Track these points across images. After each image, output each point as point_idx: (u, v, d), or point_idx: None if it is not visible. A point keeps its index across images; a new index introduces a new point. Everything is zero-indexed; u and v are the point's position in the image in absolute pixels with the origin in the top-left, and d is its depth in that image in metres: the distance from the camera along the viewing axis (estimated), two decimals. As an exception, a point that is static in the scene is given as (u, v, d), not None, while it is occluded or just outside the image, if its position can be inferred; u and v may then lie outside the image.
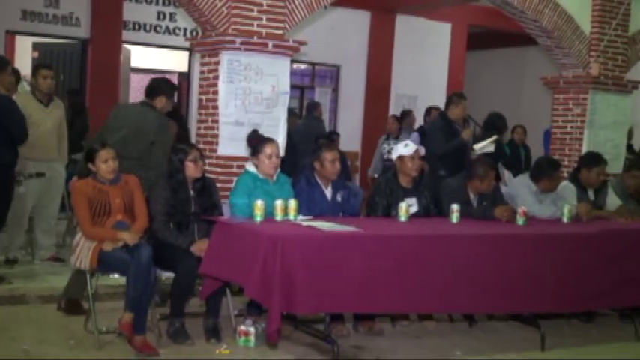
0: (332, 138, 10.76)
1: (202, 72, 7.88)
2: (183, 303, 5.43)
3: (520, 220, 6.04)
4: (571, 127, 10.03)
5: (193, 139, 7.35)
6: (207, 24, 7.62)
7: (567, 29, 9.67)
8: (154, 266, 5.12)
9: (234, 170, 7.18)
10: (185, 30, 12.62)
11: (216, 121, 7.41)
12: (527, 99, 16.33)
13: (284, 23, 7.69)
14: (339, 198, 6.04)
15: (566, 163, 9.76)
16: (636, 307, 6.50)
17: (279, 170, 5.86)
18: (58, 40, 11.93)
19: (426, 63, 14.82)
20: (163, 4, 12.57)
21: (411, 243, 5.31)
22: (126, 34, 12.20)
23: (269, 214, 5.33)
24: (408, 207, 5.82)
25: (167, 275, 5.42)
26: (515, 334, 6.16)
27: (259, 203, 5.27)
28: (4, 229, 7.03)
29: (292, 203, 5.44)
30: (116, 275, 5.42)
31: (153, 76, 14.36)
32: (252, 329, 5.37)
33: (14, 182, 6.62)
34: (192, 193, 5.59)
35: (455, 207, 5.94)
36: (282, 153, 6.50)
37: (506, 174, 9.64)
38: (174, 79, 14.28)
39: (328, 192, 6.01)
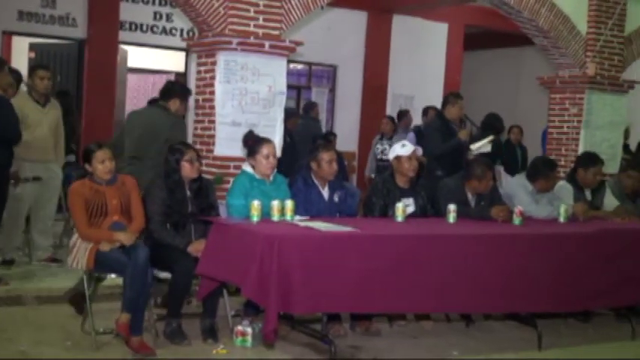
0: (329, 138, 10.78)
1: (199, 72, 7.88)
2: (180, 303, 5.43)
3: (517, 220, 6.05)
4: (567, 127, 10.04)
5: (190, 140, 7.34)
6: (203, 24, 7.62)
7: (564, 29, 9.68)
8: (150, 267, 5.12)
9: (231, 170, 7.19)
10: (182, 30, 12.61)
11: (213, 122, 7.41)
12: (524, 99, 16.34)
13: (280, 23, 7.69)
14: (336, 198, 6.04)
15: (562, 162, 9.77)
16: (633, 307, 6.52)
17: (275, 170, 5.86)
18: (55, 40, 11.91)
19: (422, 63, 14.82)
20: (160, 4, 12.57)
21: (408, 243, 5.32)
22: (122, 35, 12.19)
23: (266, 214, 5.33)
24: (404, 207, 5.82)
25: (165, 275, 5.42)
26: (513, 333, 6.17)
27: (256, 203, 5.27)
28: (1, 230, 7.02)
29: (289, 203, 5.44)
30: (113, 276, 5.41)
31: (150, 76, 14.47)
32: (249, 329, 5.37)
33: (9, 183, 6.60)
34: (188, 193, 5.58)
35: (452, 207, 5.94)
36: (278, 153, 6.50)
37: (502, 174, 9.66)
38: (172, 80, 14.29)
39: (325, 192, 6.01)
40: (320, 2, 8.02)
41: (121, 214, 5.32)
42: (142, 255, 5.05)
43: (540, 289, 5.74)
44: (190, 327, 5.45)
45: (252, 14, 7.52)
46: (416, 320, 6.22)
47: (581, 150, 9.57)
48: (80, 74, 11.93)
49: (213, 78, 7.50)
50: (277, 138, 7.56)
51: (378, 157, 11.01)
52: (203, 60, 7.79)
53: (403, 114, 12.04)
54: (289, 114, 10.75)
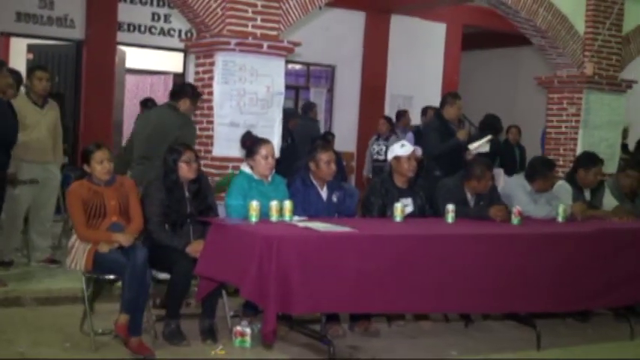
0: (327, 138, 10.78)
1: (197, 73, 7.88)
2: (179, 304, 5.43)
3: (515, 220, 6.05)
4: (566, 127, 10.06)
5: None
6: (201, 25, 7.62)
7: (561, 29, 9.69)
8: (149, 268, 5.12)
9: (230, 171, 7.19)
10: (180, 31, 12.62)
11: (212, 122, 7.42)
12: (522, 99, 16.36)
13: (279, 24, 7.69)
14: (334, 198, 6.04)
15: (561, 162, 9.79)
16: (631, 307, 6.52)
17: (274, 171, 5.86)
18: (53, 41, 11.91)
19: (421, 63, 14.84)
20: (158, 5, 12.57)
21: (407, 243, 5.31)
22: (120, 36, 12.19)
23: (264, 214, 5.33)
24: (403, 207, 5.82)
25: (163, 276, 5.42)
26: (511, 333, 6.17)
27: (254, 204, 5.27)
28: (-1, 231, 7.03)
29: (287, 204, 5.44)
30: (111, 276, 5.41)
31: (148, 77, 14.47)
32: (248, 330, 5.37)
33: (7, 184, 6.60)
34: (187, 194, 5.58)
35: (450, 207, 5.94)
36: (277, 154, 6.51)
37: (502, 176, 9.65)
38: (169, 81, 14.30)
39: (324, 192, 6.01)
40: (318, 3, 8.03)
41: (119, 215, 5.32)
42: (140, 256, 5.05)
43: (539, 288, 5.74)
44: (189, 328, 5.45)
45: (250, 15, 7.53)
46: (415, 320, 6.22)
47: (579, 150, 9.58)
48: (78, 75, 11.93)
49: (211, 79, 7.50)
50: (276, 138, 7.57)
51: (374, 157, 11.01)
52: (201, 61, 7.79)
53: (401, 114, 12.04)
54: (290, 115, 10.78)
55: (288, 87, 9.17)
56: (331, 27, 13.64)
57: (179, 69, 13.54)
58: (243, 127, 7.31)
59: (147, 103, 10.36)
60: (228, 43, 7.42)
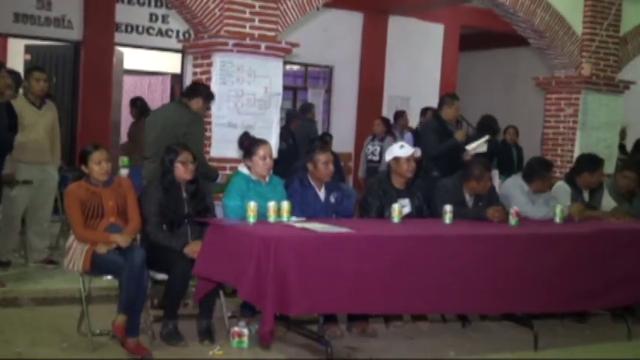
0: (325, 139, 10.78)
1: (195, 74, 7.89)
2: (176, 305, 5.43)
3: (513, 221, 6.05)
4: (563, 128, 10.07)
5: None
6: (199, 26, 7.62)
7: (559, 30, 9.70)
8: (147, 269, 5.12)
9: (228, 172, 7.19)
10: (177, 32, 12.61)
11: (209, 123, 7.42)
12: (520, 99, 16.37)
13: (276, 25, 7.70)
14: (332, 199, 6.04)
15: (558, 163, 9.80)
16: (629, 307, 6.53)
17: (271, 171, 5.86)
18: (51, 42, 11.90)
19: (418, 64, 14.84)
20: (155, 5, 12.56)
21: (404, 244, 5.32)
22: (118, 36, 12.18)
23: (262, 215, 5.33)
24: (400, 208, 5.82)
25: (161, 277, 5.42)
26: (509, 334, 6.17)
27: (252, 205, 5.27)
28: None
29: (285, 204, 5.44)
30: (109, 277, 5.41)
31: (146, 77, 14.47)
32: (245, 330, 5.37)
33: (3, 185, 6.59)
34: (185, 195, 5.58)
35: (448, 207, 5.94)
36: (274, 154, 6.51)
37: (496, 176, 9.66)
38: (167, 81, 14.30)
39: (321, 193, 6.01)
40: (316, 3, 8.04)
41: (117, 216, 5.32)
42: (138, 257, 5.05)
43: (536, 289, 5.74)
44: (187, 328, 5.45)
45: (247, 16, 7.53)
46: (412, 321, 6.22)
47: (577, 150, 9.60)
48: (76, 76, 11.92)
49: (209, 79, 7.50)
50: (273, 139, 7.57)
51: (369, 157, 10.98)
52: (199, 61, 7.79)
53: (399, 115, 12.04)
54: (292, 115, 10.81)
55: (285, 88, 9.16)
56: (329, 28, 13.63)
57: (177, 70, 13.53)
58: (241, 128, 7.30)
59: (136, 102, 10.32)
60: (226, 44, 7.42)
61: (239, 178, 5.72)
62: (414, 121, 12.15)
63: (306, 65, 14.33)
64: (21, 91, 7.22)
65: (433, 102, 10.40)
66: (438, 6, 14.48)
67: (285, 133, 10.10)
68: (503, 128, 10.99)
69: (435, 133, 7.88)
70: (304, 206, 5.82)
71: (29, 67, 8.19)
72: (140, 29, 12.50)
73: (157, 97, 14.61)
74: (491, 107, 12.92)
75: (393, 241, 5.28)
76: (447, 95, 8.34)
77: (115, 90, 12.14)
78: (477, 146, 7.86)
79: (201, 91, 6.86)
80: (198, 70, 7.79)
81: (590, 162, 7.19)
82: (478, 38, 16.24)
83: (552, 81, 10.18)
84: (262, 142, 5.84)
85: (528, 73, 12.41)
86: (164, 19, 12.64)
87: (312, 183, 5.98)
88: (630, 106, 11.09)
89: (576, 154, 9.69)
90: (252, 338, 5.35)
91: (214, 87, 7.40)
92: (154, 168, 6.52)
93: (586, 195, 7.14)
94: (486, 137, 8.15)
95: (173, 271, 5.26)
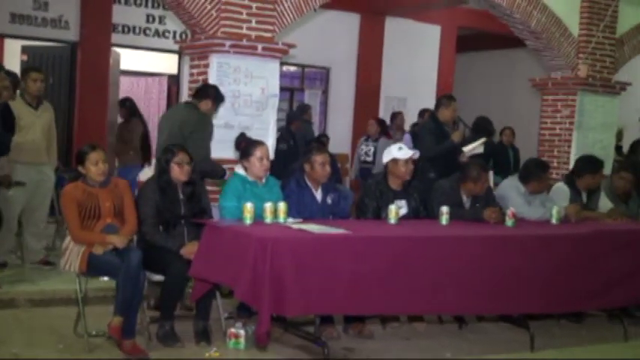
0: (322, 140, 10.78)
1: (192, 75, 7.88)
2: (173, 306, 5.43)
3: (509, 222, 6.06)
4: (560, 129, 10.08)
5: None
6: (196, 27, 7.62)
7: (555, 31, 9.72)
8: (143, 270, 5.12)
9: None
10: (174, 33, 12.60)
11: (207, 124, 7.41)
12: (517, 101, 16.38)
13: (273, 26, 7.70)
14: (329, 200, 6.05)
15: (555, 164, 9.81)
16: (625, 308, 6.54)
17: (268, 172, 5.86)
18: (47, 43, 11.88)
19: (415, 65, 14.83)
20: (153, 6, 12.55)
21: (401, 245, 5.32)
22: (115, 37, 12.16)
23: (259, 216, 5.33)
24: (397, 209, 5.82)
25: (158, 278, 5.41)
26: (505, 335, 6.17)
27: (249, 206, 5.27)
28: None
29: (282, 206, 5.44)
30: (106, 278, 5.41)
31: (143, 78, 14.46)
32: (242, 332, 5.37)
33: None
34: (181, 196, 5.58)
35: (444, 209, 5.95)
36: (271, 155, 6.51)
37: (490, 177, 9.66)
38: (164, 82, 14.29)
39: (318, 194, 6.02)
40: (312, 4, 8.04)
41: (113, 217, 5.31)
42: (134, 258, 5.05)
43: (533, 290, 5.75)
44: (183, 329, 5.45)
45: (244, 17, 7.53)
46: (409, 322, 6.22)
47: (573, 152, 9.61)
48: (73, 77, 11.90)
49: (205, 80, 7.50)
50: (270, 140, 7.57)
51: (362, 158, 10.95)
52: (196, 62, 7.79)
53: (395, 115, 12.05)
54: (292, 117, 10.80)
55: (282, 89, 9.18)
56: (326, 29, 13.63)
57: (174, 71, 13.52)
58: (238, 129, 7.32)
59: (125, 103, 10.28)
60: (223, 45, 7.42)
61: (235, 179, 5.73)
62: (411, 122, 12.15)
63: (303, 66, 14.33)
64: (18, 91, 7.21)
65: (430, 103, 10.41)
66: (434, 7, 14.47)
67: (285, 134, 10.11)
68: (499, 129, 11.00)
69: (432, 134, 7.88)
70: (301, 207, 5.82)
71: (26, 68, 8.18)
72: (137, 30, 12.49)
73: (154, 98, 14.61)
74: (487, 108, 12.92)
75: (390, 243, 5.28)
76: (444, 97, 8.34)
77: (111, 91, 12.12)
78: (474, 148, 7.87)
79: (211, 92, 6.89)
80: (195, 71, 7.78)
81: (591, 164, 7.21)
82: (475, 39, 16.25)
83: (549, 82, 10.19)
84: (259, 143, 5.85)
85: (525, 74, 12.42)
86: (161, 20, 12.63)
87: (309, 184, 5.98)
88: (627, 108, 11.11)
89: (573, 155, 9.71)
90: (249, 339, 5.35)
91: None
92: None
93: (584, 196, 7.15)
94: (483, 139, 8.16)
95: (169, 272, 5.26)
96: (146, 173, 8.90)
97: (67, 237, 5.33)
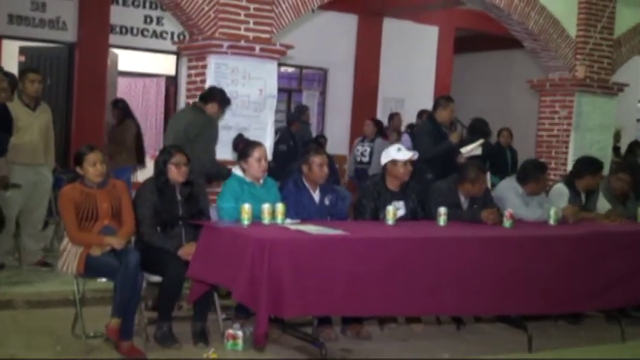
0: (319, 142, 10.78)
1: (190, 75, 7.89)
2: (170, 307, 5.42)
3: (507, 223, 6.06)
4: (557, 130, 10.09)
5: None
6: (194, 28, 7.62)
7: (553, 32, 9.72)
8: (141, 271, 5.11)
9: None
10: (172, 34, 12.62)
11: (203, 125, 7.40)
12: (514, 102, 16.40)
13: (271, 27, 7.70)
14: (326, 201, 6.04)
15: (552, 165, 9.82)
16: (623, 309, 6.54)
17: (266, 174, 5.86)
18: (45, 44, 11.89)
19: (413, 66, 14.85)
20: (150, 7, 12.57)
21: (399, 246, 5.32)
22: (113, 38, 12.18)
23: (256, 217, 5.32)
24: (395, 210, 5.82)
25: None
26: (503, 336, 6.17)
27: (246, 207, 5.27)
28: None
29: (280, 207, 5.44)
30: (103, 279, 5.40)
31: (140, 79, 14.46)
32: (240, 333, 5.36)
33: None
34: (179, 197, 5.57)
35: (442, 210, 5.95)
36: (269, 156, 6.52)
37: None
38: (162, 83, 14.29)
39: (316, 195, 6.01)
40: (310, 5, 8.04)
41: (111, 218, 5.31)
42: (132, 259, 5.04)
43: (531, 291, 5.75)
44: (181, 330, 5.44)
45: (242, 18, 7.54)
46: (406, 323, 6.22)
47: (571, 153, 9.62)
48: (70, 78, 11.92)
49: (203, 81, 7.51)
50: (268, 141, 7.56)
51: (358, 159, 10.94)
52: (194, 63, 7.79)
53: (393, 116, 12.06)
54: (293, 118, 10.81)
55: (280, 90, 9.18)
56: (324, 30, 13.64)
57: (172, 72, 13.54)
58: (236, 130, 7.33)
59: (117, 104, 10.26)
60: (221, 46, 7.42)
61: (233, 181, 5.72)
62: (409, 123, 12.15)
63: (300, 67, 14.35)
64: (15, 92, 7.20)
65: (428, 104, 10.42)
66: (432, 8, 14.49)
67: (285, 135, 10.13)
68: (497, 130, 11.00)
69: (430, 135, 7.88)
70: (299, 208, 5.82)
71: (23, 69, 8.19)
72: (135, 31, 12.50)
73: (152, 99, 14.60)
74: (485, 109, 12.95)
75: (388, 244, 5.28)
76: (442, 98, 8.35)
77: (109, 92, 12.14)
78: (472, 149, 7.87)
79: (217, 96, 6.92)
80: (193, 72, 7.79)
81: (591, 165, 7.22)
82: (472, 40, 16.27)
83: (546, 83, 10.20)
84: (257, 144, 5.84)
85: (522, 75, 12.44)
86: (159, 20, 12.64)
87: (307, 185, 5.98)
88: (625, 109, 11.13)
89: (570, 156, 9.73)
90: (247, 341, 5.34)
91: (209, 89, 7.40)
92: None
93: (583, 198, 7.16)
94: (481, 141, 8.16)
95: (167, 274, 5.26)
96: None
97: (65, 238, 5.32)
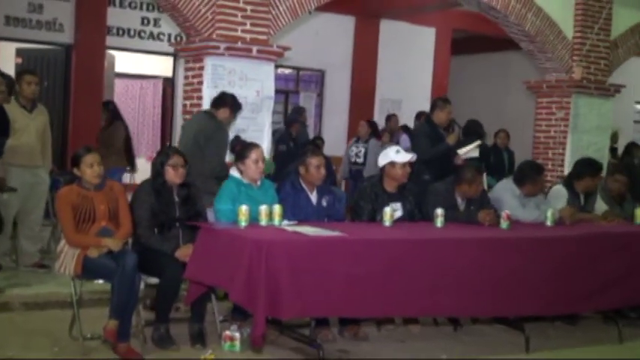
0: (316, 143, 10.79)
1: (187, 77, 7.88)
2: (168, 309, 5.42)
3: (504, 224, 6.06)
4: (554, 131, 10.10)
5: (177, 145, 7.38)
6: (191, 29, 7.62)
7: (550, 33, 9.74)
8: (138, 273, 5.11)
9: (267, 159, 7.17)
10: (169, 35, 12.61)
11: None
12: (511, 103, 16.42)
13: (268, 28, 7.70)
14: (324, 203, 6.05)
15: (549, 166, 9.83)
16: (620, 310, 6.54)
17: (263, 175, 5.86)
18: (42, 45, 11.88)
19: (410, 67, 14.86)
20: (147, 9, 12.56)
21: (396, 247, 5.32)
22: (110, 40, 12.17)
23: (254, 219, 5.32)
24: (392, 211, 5.83)
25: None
26: (500, 337, 6.18)
27: (244, 208, 5.27)
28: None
29: (277, 208, 5.44)
30: (100, 281, 5.40)
31: (138, 81, 14.47)
32: (237, 334, 5.36)
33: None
34: (176, 199, 5.57)
35: (439, 211, 5.95)
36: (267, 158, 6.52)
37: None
38: (159, 85, 14.29)
39: (313, 197, 6.02)
40: (307, 7, 8.04)
41: (108, 220, 5.30)
42: (130, 261, 5.04)
43: (528, 292, 5.75)
44: (178, 332, 5.44)
45: (239, 19, 7.54)
46: (404, 324, 6.23)
47: (568, 154, 9.63)
48: (67, 79, 11.91)
49: (200, 83, 7.50)
50: (265, 143, 7.57)
51: (353, 160, 10.93)
52: (191, 65, 7.79)
53: (390, 118, 12.06)
54: (292, 119, 10.82)
55: (277, 91, 9.17)
56: (321, 31, 13.65)
57: (169, 73, 13.53)
58: (233, 132, 7.31)
59: (108, 106, 10.23)
60: (218, 48, 7.42)
61: (230, 182, 5.72)
62: (406, 124, 12.15)
63: (297, 69, 14.35)
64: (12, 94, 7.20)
65: (425, 105, 10.43)
66: (429, 10, 14.50)
67: (285, 136, 10.15)
68: (494, 132, 11.01)
69: (427, 137, 7.89)
70: (296, 210, 5.82)
71: (20, 71, 8.18)
72: (132, 32, 12.49)
73: (149, 100, 14.60)
74: (482, 111, 12.96)
75: (385, 245, 5.29)
76: (439, 99, 8.36)
77: (106, 93, 12.12)
78: (469, 151, 7.88)
79: (228, 100, 6.92)
80: (190, 73, 7.78)
81: (591, 166, 7.24)
82: (469, 42, 16.29)
83: (543, 85, 10.21)
84: (254, 145, 5.84)
85: (519, 76, 12.45)
86: (156, 22, 12.64)
87: (304, 186, 5.98)
88: (622, 110, 11.14)
89: (567, 157, 9.74)
90: (244, 342, 5.34)
91: (206, 90, 7.41)
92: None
93: (582, 199, 7.17)
94: (478, 142, 8.17)
95: (165, 275, 5.25)
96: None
97: (62, 240, 5.32)
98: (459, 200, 6.43)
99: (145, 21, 12.58)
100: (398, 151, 6.21)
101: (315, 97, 14.66)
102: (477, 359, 5.67)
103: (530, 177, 6.73)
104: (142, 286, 5.27)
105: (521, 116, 14.45)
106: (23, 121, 7.02)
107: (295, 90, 14.59)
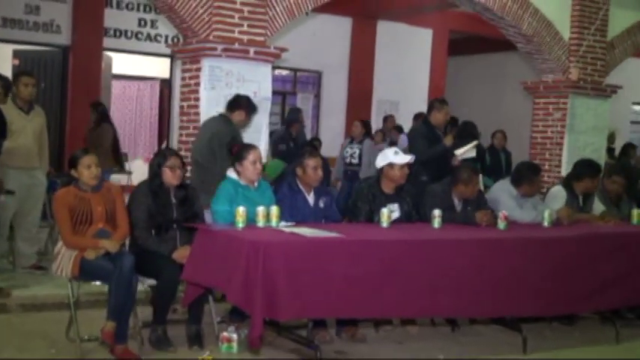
0: (314, 144, 10.79)
1: (184, 78, 7.88)
2: (165, 310, 5.42)
3: (501, 225, 6.07)
4: (551, 132, 10.11)
5: (175, 146, 7.39)
6: (188, 30, 7.62)
7: (547, 35, 9.75)
8: (135, 274, 5.11)
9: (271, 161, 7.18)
10: (166, 37, 12.62)
11: (198, 128, 7.40)
12: (508, 104, 16.44)
13: (265, 30, 7.71)
14: (321, 204, 6.05)
15: (546, 167, 9.84)
16: (617, 310, 6.55)
17: (260, 176, 5.86)
18: (39, 47, 11.88)
19: (407, 69, 14.88)
20: (144, 10, 12.56)
21: (394, 248, 5.32)
22: (107, 41, 12.18)
23: (251, 220, 5.32)
24: (390, 212, 5.83)
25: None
26: (498, 337, 6.18)
27: (241, 210, 5.26)
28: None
29: (274, 209, 5.44)
30: (98, 283, 5.40)
31: (135, 82, 14.48)
32: (234, 336, 5.36)
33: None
34: (174, 200, 5.57)
35: (436, 212, 5.95)
36: (264, 159, 6.52)
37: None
38: (156, 86, 14.29)
39: (310, 198, 6.02)
40: (304, 8, 8.05)
41: (106, 222, 5.30)
42: (127, 263, 5.03)
43: (526, 293, 5.75)
44: (176, 333, 5.44)
45: (236, 21, 7.54)
46: (401, 325, 6.23)
47: (565, 155, 9.64)
48: (64, 81, 11.91)
49: (197, 84, 7.51)
50: (263, 144, 7.57)
51: (347, 160, 10.90)
52: (188, 66, 7.79)
53: (387, 118, 12.07)
54: (292, 119, 10.82)
55: (274, 92, 9.18)
56: (318, 33, 13.66)
57: (166, 74, 13.53)
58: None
59: (97, 107, 10.23)
60: (215, 49, 7.42)
61: (228, 183, 5.72)
62: (404, 125, 12.16)
63: (295, 70, 14.36)
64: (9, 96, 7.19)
65: (422, 106, 10.44)
66: (426, 11, 14.51)
67: (285, 136, 10.16)
68: (491, 133, 11.02)
69: (424, 138, 7.89)
70: (293, 211, 5.82)
71: (17, 72, 8.18)
72: (129, 34, 12.50)
73: (146, 101, 14.61)
74: (479, 112, 12.99)
75: (382, 246, 5.29)
76: (436, 100, 8.35)
77: (103, 95, 12.13)
78: (466, 151, 7.88)
79: (243, 103, 6.91)
80: (187, 75, 7.78)
81: (591, 167, 7.25)
82: (466, 43, 16.31)
83: (540, 85, 10.22)
84: (252, 146, 5.84)
85: (516, 77, 12.48)
86: (153, 24, 12.64)
87: (302, 188, 5.98)
88: (619, 111, 11.16)
89: (564, 158, 9.75)
90: (242, 343, 5.34)
91: (203, 92, 7.41)
92: (194, 176, 6.67)
93: (580, 200, 7.18)
94: (474, 143, 8.17)
95: (162, 277, 5.25)
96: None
97: (59, 242, 5.32)
98: (456, 201, 6.44)
99: (142, 22, 12.58)
100: (397, 153, 6.21)
101: (312, 99, 14.67)
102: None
103: (528, 178, 6.74)
104: (144, 287, 5.27)
105: (518, 117, 14.47)
106: (20, 122, 7.01)
107: (292, 91, 14.60)
